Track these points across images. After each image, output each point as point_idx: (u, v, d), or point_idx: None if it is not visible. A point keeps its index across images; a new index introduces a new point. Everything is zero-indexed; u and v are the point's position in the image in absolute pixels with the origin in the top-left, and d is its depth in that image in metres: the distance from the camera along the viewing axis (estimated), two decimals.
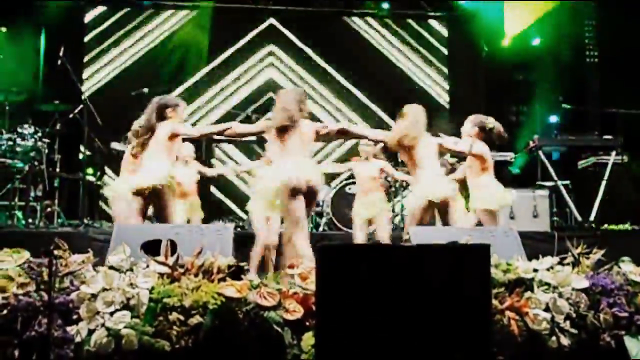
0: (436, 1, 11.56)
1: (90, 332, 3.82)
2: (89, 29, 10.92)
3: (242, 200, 9.36)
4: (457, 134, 6.26)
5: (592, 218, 8.00)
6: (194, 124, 10.12)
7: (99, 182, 7.99)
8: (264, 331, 3.91)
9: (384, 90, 11.28)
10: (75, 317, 3.90)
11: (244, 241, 6.72)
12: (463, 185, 6.39)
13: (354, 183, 8.27)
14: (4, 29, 9.90)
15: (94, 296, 3.91)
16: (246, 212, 8.13)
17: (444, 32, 11.74)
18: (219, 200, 10.61)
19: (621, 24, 9.76)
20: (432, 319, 2.83)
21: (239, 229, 8.30)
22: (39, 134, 7.88)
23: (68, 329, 3.85)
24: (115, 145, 7.88)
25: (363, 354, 2.79)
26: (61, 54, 8.35)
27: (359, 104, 11.40)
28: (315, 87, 11.30)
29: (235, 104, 10.97)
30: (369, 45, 11.56)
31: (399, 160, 7.78)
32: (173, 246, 4.47)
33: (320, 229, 8.22)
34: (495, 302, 4.08)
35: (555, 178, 8.25)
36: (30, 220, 7.73)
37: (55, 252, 4.00)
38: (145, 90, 9.92)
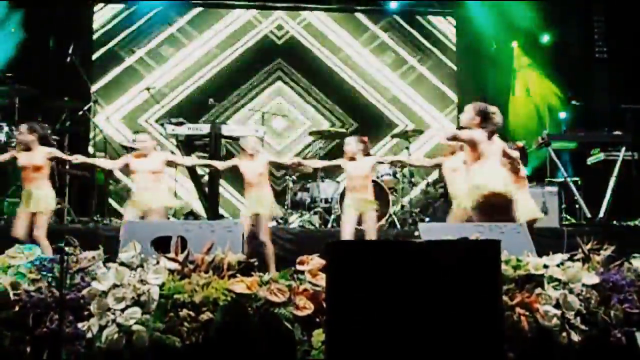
0: None
1: (101, 328, 3.84)
2: (98, 26, 10.96)
3: None
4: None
5: (602, 214, 7.98)
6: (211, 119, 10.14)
7: None
8: (274, 327, 3.91)
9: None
10: (86, 313, 3.92)
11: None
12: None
13: None
14: (13, 30, 9.93)
15: (104, 293, 3.92)
16: None
17: (452, 28, 11.70)
18: None
19: (630, 18, 9.72)
20: (442, 315, 2.83)
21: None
22: (49, 131, 7.91)
23: (79, 325, 3.87)
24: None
25: (373, 350, 2.79)
26: (70, 51, 8.39)
27: (365, 100, 11.36)
28: (319, 84, 11.28)
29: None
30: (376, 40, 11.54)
31: None
32: (183, 243, 4.49)
33: (329, 225, 8.22)
34: (505, 298, 4.08)
35: (565, 174, 8.23)
36: None
37: (66, 249, 4.02)
38: (154, 87, 9.98)
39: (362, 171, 6.88)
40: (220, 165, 7.24)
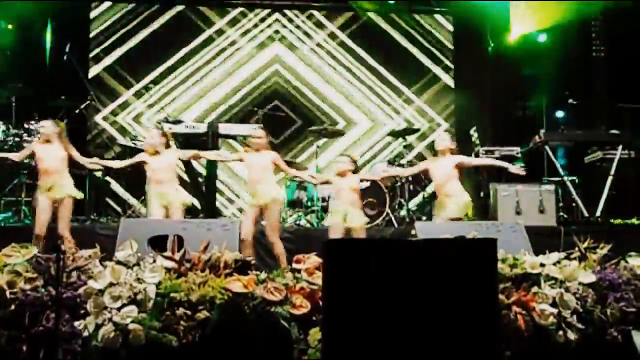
0: None
1: (98, 326, 3.83)
2: (95, 24, 10.93)
3: None
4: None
5: (598, 213, 7.98)
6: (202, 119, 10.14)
7: None
8: (271, 326, 3.91)
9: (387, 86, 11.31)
10: (82, 312, 3.92)
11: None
12: None
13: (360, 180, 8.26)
14: (10, 27, 9.89)
15: (101, 291, 3.92)
16: None
17: (450, 27, 11.69)
18: None
19: (628, 16, 9.71)
20: (438, 313, 2.83)
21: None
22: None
23: (76, 323, 3.87)
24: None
25: (370, 348, 2.79)
26: (67, 50, 8.37)
27: (362, 99, 11.36)
28: (317, 84, 11.26)
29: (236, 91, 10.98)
30: (375, 39, 11.51)
31: None
32: (180, 241, 4.48)
33: (326, 224, 8.20)
34: (502, 296, 4.08)
35: (562, 173, 8.24)
36: None
37: (63, 247, 4.02)
38: (151, 86, 9.96)
39: (163, 164, 6.60)
40: (16, 156, 6.74)
